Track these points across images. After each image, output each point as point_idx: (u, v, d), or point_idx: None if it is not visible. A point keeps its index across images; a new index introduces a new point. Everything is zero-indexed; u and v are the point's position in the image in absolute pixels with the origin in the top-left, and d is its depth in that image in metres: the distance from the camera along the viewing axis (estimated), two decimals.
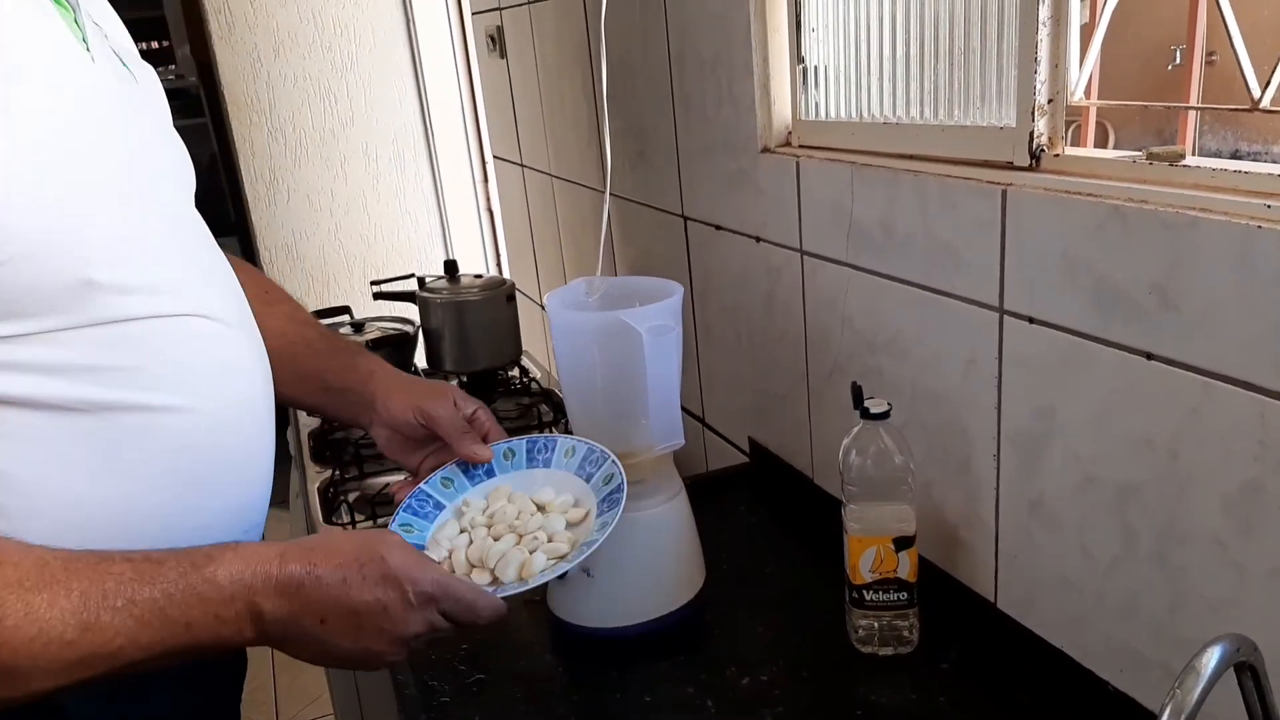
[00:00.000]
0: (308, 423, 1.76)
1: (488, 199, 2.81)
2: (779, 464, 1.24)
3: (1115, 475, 0.75)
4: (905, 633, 0.92)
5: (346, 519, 1.37)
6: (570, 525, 0.88)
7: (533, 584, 0.80)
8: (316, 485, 1.49)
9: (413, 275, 1.99)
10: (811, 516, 1.17)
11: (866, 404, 0.88)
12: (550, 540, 0.85)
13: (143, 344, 0.69)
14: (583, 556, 0.82)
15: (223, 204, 3.32)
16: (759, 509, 1.23)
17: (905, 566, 0.90)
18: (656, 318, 0.89)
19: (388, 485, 1.45)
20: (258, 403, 0.81)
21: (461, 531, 0.89)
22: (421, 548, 0.86)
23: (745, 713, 0.86)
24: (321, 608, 0.69)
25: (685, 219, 1.38)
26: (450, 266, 1.88)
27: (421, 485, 0.93)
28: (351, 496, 1.46)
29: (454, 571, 0.83)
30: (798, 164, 1.07)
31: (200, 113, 3.54)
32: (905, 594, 0.90)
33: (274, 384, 0.89)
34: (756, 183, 1.17)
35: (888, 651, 0.92)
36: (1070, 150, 0.80)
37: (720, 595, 1.03)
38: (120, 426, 0.68)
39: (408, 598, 0.72)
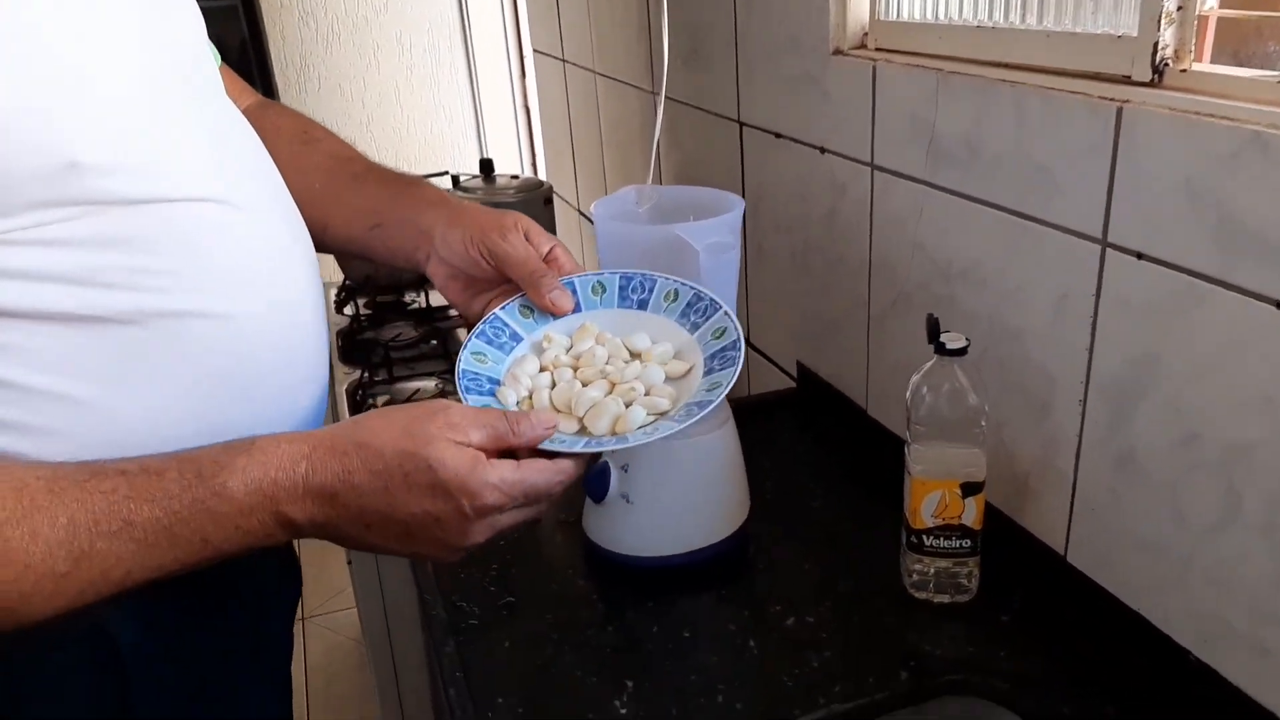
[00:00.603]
0: (336, 320, 1.71)
1: (525, 95, 2.70)
2: (829, 392, 1.18)
3: (1224, 434, 0.68)
4: (964, 580, 0.86)
5: None
6: (670, 380, 0.76)
7: (631, 442, 0.69)
8: (344, 387, 1.45)
9: (446, 173, 1.91)
10: (862, 449, 1.10)
11: (943, 338, 0.81)
12: (649, 394, 0.73)
13: (147, 238, 0.61)
14: (692, 420, 0.68)
15: (251, 85, 3.21)
16: (805, 437, 1.17)
17: (971, 513, 0.84)
18: (715, 234, 0.81)
19: (418, 391, 1.40)
20: (299, 302, 0.72)
21: (542, 370, 0.77)
22: (496, 382, 0.75)
23: (790, 655, 0.81)
24: (363, 515, 0.61)
25: (741, 124, 1.28)
26: (486, 165, 1.79)
27: (497, 311, 0.80)
28: (380, 399, 1.41)
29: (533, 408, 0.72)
30: (874, 69, 0.98)
31: None
32: (969, 541, 0.85)
33: (320, 230, 0.80)
34: (825, 88, 1.07)
35: (944, 599, 0.87)
36: (1199, 67, 0.70)
37: (764, 528, 0.98)
38: (135, 337, 0.61)
39: (463, 510, 0.62)
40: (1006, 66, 0.84)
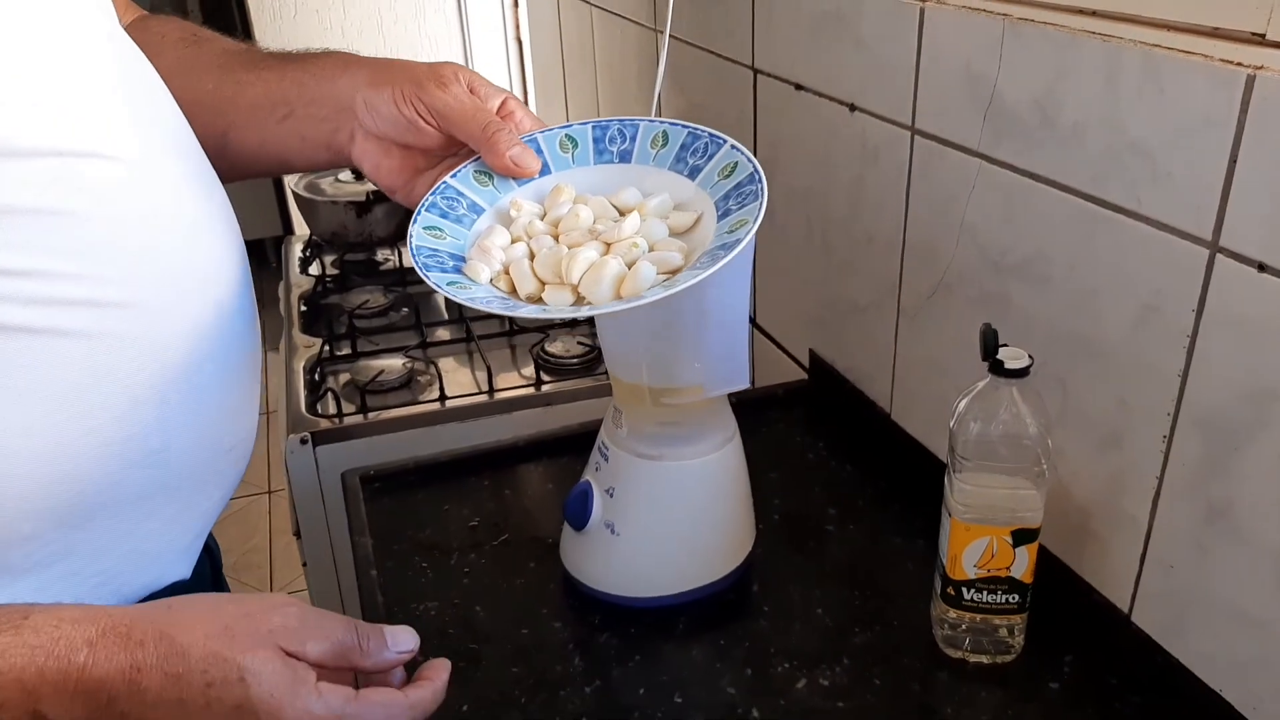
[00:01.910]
0: (299, 282, 1.55)
1: (517, 27, 2.50)
2: (846, 388, 1.03)
3: None
4: (1006, 637, 0.73)
5: (332, 410, 1.17)
6: (675, 235, 0.62)
7: (648, 299, 0.55)
8: (302, 362, 1.29)
9: None
10: (885, 460, 0.96)
11: (1001, 355, 0.66)
12: (653, 250, 0.59)
13: (12, 205, 0.46)
14: (721, 263, 0.55)
15: (225, 15, 3.00)
16: (817, 441, 1.02)
17: (1022, 564, 0.69)
18: None
19: (383, 371, 1.25)
20: (217, 278, 0.58)
21: (514, 241, 0.63)
22: (460, 259, 0.61)
23: None
24: None
25: (755, 71, 1.11)
26: None
27: (447, 179, 0.65)
28: (341, 380, 1.26)
29: (512, 294, 0.58)
30: (922, 11, 0.81)
31: None
32: (1017, 596, 0.71)
33: (220, 142, 0.66)
34: (858, 33, 0.90)
35: (981, 659, 0.73)
36: None
37: (771, 559, 0.84)
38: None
39: None
40: (1095, 15, 0.67)
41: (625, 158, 0.67)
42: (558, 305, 0.58)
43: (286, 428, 1.15)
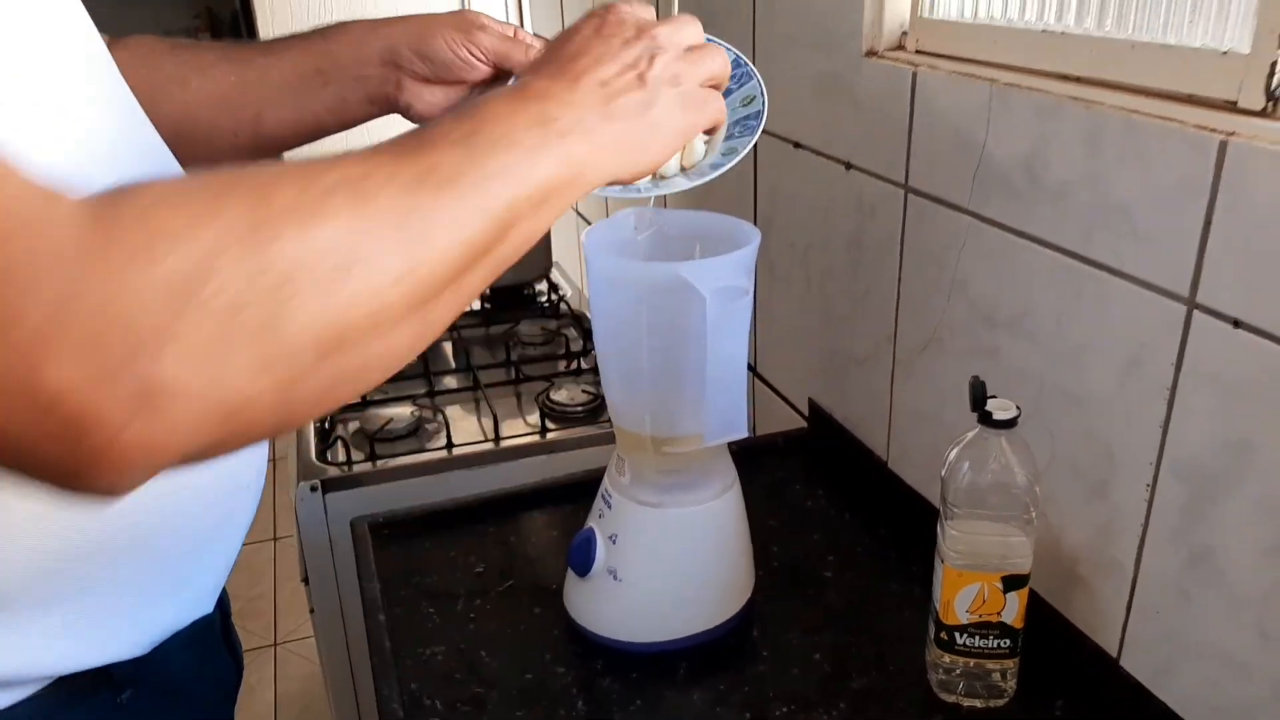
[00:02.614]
0: None
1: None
2: (845, 437, 1.05)
3: None
4: (999, 681, 0.74)
5: (342, 458, 1.20)
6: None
7: (697, 179, 0.63)
8: None
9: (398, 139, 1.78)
10: (881, 508, 0.98)
11: (989, 406, 0.68)
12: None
13: None
14: (703, 179, 0.63)
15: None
16: (816, 490, 1.04)
17: (1012, 610, 0.71)
18: (726, 276, 0.68)
19: (391, 420, 1.27)
20: None
21: None
22: None
23: None
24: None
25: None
26: None
27: None
28: (351, 429, 1.28)
29: None
30: (915, 75, 0.84)
31: None
32: (1008, 641, 0.72)
33: (253, 124, 0.71)
34: (854, 94, 0.94)
35: (975, 704, 0.74)
36: None
37: (771, 604, 0.85)
38: None
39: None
40: (1078, 81, 0.71)
41: None
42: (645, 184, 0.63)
43: (296, 475, 1.17)
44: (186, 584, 0.61)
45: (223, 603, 0.71)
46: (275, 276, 0.36)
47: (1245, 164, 0.57)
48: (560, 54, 0.54)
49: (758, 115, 0.68)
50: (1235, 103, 0.60)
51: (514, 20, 2.52)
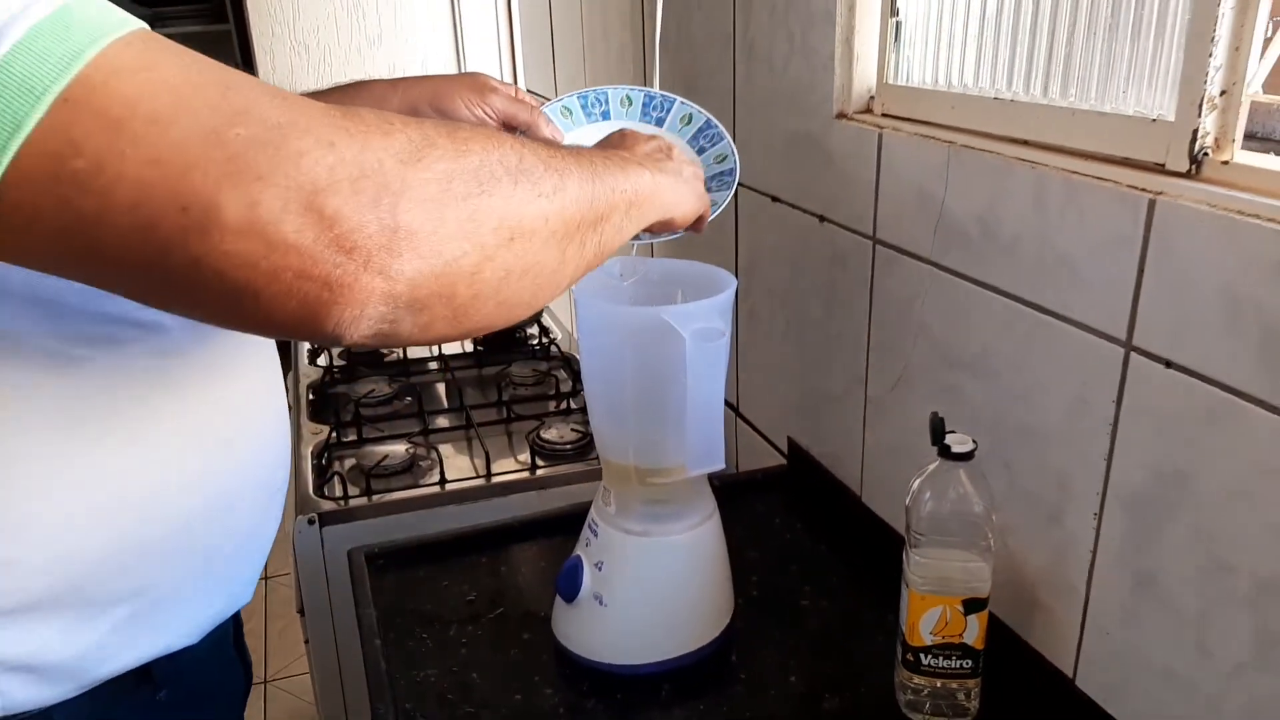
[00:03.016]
0: (307, 373, 1.63)
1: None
2: (821, 472, 1.10)
3: (1258, 567, 0.60)
4: (963, 700, 0.79)
5: (339, 493, 1.24)
6: None
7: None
8: (310, 448, 1.36)
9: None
10: (855, 540, 1.03)
11: (948, 440, 0.74)
12: None
13: None
14: (713, 214, 0.78)
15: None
16: (795, 522, 1.09)
17: (973, 632, 0.76)
18: (703, 318, 0.74)
19: (387, 456, 1.32)
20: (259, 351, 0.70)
21: None
22: None
23: None
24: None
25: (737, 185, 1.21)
26: None
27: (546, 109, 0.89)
28: (347, 465, 1.33)
29: None
30: (880, 136, 0.91)
31: (224, 18, 3.36)
32: (970, 662, 0.77)
33: None
34: (827, 153, 1.01)
35: None
36: (1243, 157, 0.64)
37: (749, 629, 0.90)
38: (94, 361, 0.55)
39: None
40: (1025, 144, 0.78)
41: (605, 116, 0.88)
42: None
43: (294, 509, 1.21)
44: (233, 577, 0.66)
45: (235, 615, 0.76)
46: (474, 163, 0.48)
47: (1172, 220, 0.63)
48: (610, 143, 0.73)
49: (731, 172, 0.79)
50: (1163, 165, 0.67)
51: (506, 58, 2.61)
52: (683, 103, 0.86)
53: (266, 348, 0.69)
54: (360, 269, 0.42)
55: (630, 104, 0.88)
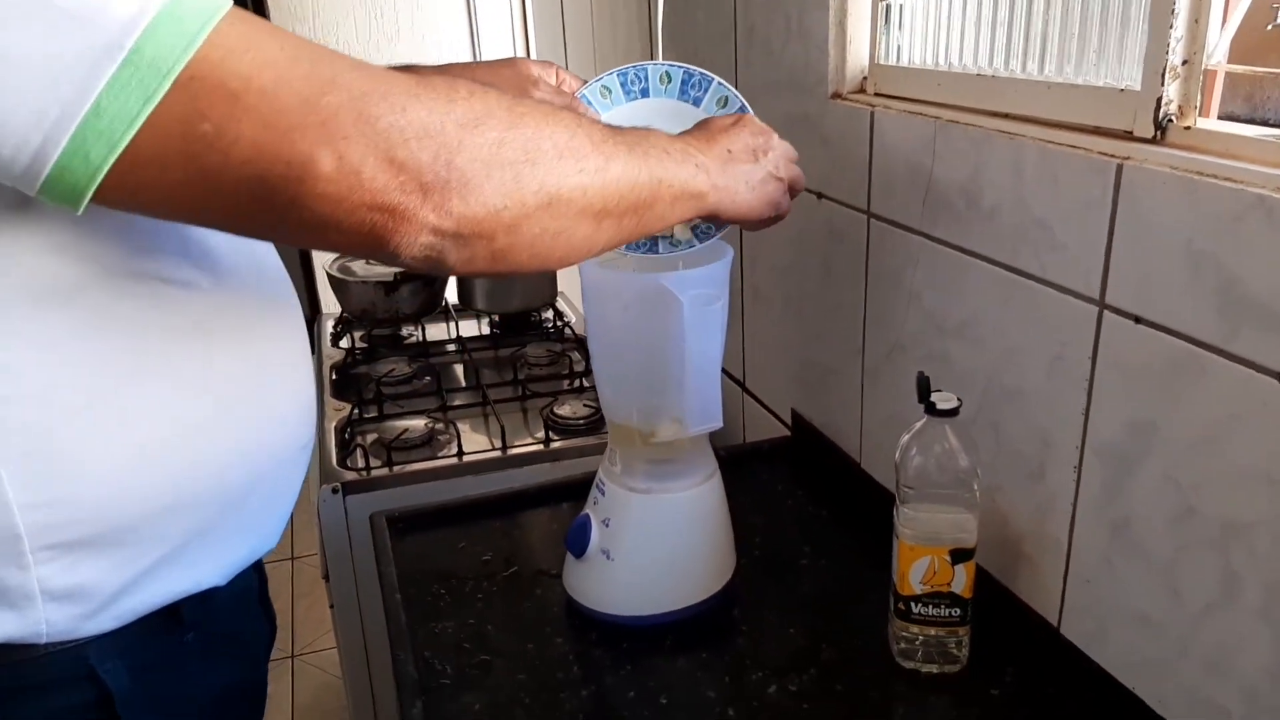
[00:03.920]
0: (330, 354, 1.69)
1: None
2: (823, 442, 1.14)
3: (1222, 510, 0.64)
4: (953, 650, 0.83)
5: (361, 464, 1.30)
6: None
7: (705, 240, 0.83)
8: (334, 424, 1.42)
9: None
10: (855, 504, 1.07)
11: (934, 398, 0.78)
12: None
13: None
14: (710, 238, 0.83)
15: None
16: (797, 490, 1.13)
17: (961, 581, 0.80)
18: (701, 285, 0.79)
19: (407, 430, 1.37)
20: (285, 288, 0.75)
21: None
22: None
23: None
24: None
25: None
26: None
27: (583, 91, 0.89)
28: (369, 439, 1.38)
29: None
30: (872, 114, 0.95)
31: None
32: (958, 610, 0.81)
33: None
34: (822, 132, 1.05)
35: (932, 669, 0.83)
36: (1204, 123, 0.67)
37: (750, 587, 0.94)
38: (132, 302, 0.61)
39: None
40: (1006, 117, 0.82)
41: (645, 94, 0.89)
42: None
43: (319, 479, 1.27)
44: (262, 525, 0.72)
45: (260, 570, 0.81)
46: (525, 134, 0.57)
47: (1138, 183, 0.67)
48: (709, 127, 0.77)
49: (742, 110, 0.83)
50: (1131, 132, 0.70)
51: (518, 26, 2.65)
52: (720, 83, 0.87)
53: (294, 310, 0.74)
54: (419, 205, 0.53)
55: (669, 80, 0.88)
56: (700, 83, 0.87)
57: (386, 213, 0.52)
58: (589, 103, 0.88)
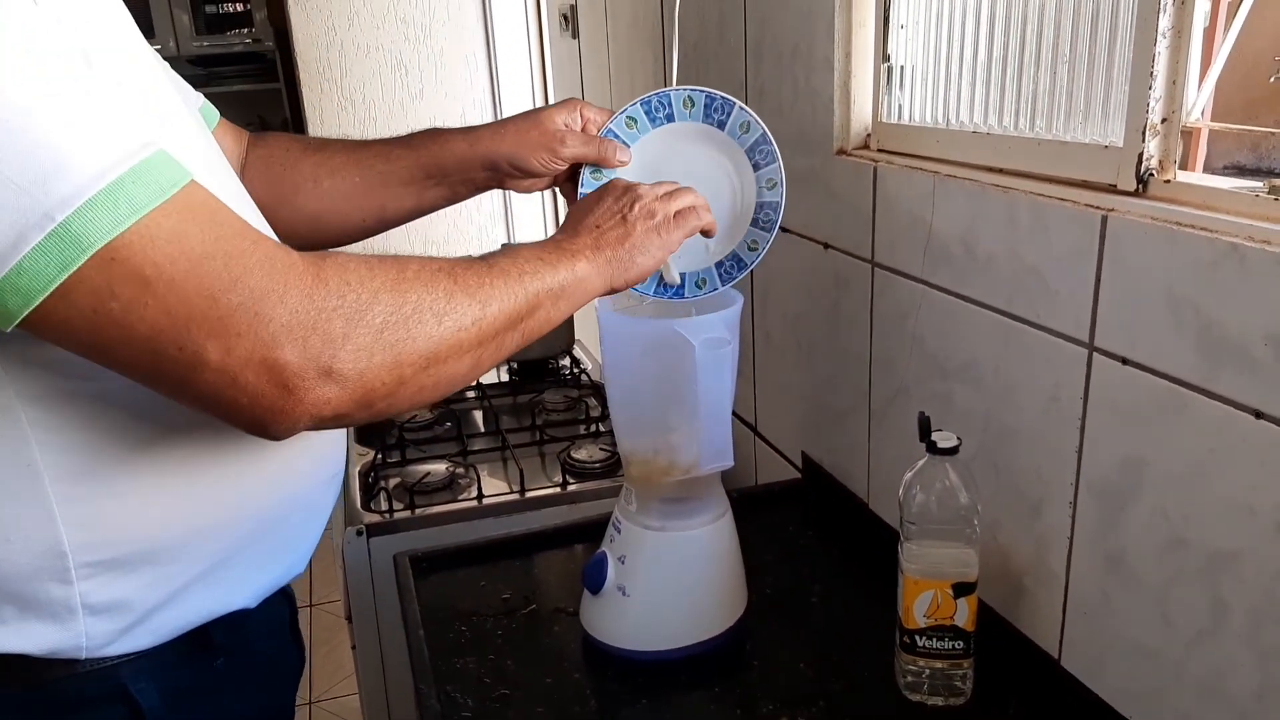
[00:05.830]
0: None
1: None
2: (832, 484, 1.18)
3: (1208, 541, 0.68)
4: (958, 682, 0.85)
5: (384, 507, 1.34)
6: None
7: (729, 281, 0.90)
8: (358, 468, 1.47)
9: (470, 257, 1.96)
10: (863, 543, 1.10)
11: (934, 437, 0.82)
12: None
13: None
14: (756, 260, 0.90)
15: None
16: (808, 531, 1.16)
17: (964, 614, 0.83)
18: (712, 329, 0.83)
19: (429, 474, 1.42)
20: None
21: None
22: None
23: None
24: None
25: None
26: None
27: (587, 174, 0.92)
28: (392, 483, 1.43)
29: None
30: (875, 170, 1.00)
31: (274, 78, 3.55)
32: (961, 643, 0.84)
33: (382, 216, 0.93)
34: (829, 186, 1.10)
35: (937, 702, 0.86)
36: (1182, 176, 0.72)
37: (762, 623, 0.97)
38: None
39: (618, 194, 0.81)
40: (1000, 171, 0.86)
41: (670, 119, 0.92)
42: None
43: (343, 521, 1.31)
44: (291, 550, 0.76)
45: (290, 601, 0.85)
46: (407, 311, 0.63)
47: (1122, 233, 0.72)
48: (574, 215, 0.81)
49: (775, 207, 0.88)
50: (1115, 185, 0.75)
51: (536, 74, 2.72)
52: (742, 108, 0.89)
53: None
54: (296, 403, 0.58)
55: (693, 105, 0.90)
56: (723, 106, 0.89)
57: (264, 409, 0.57)
58: (616, 137, 0.91)
